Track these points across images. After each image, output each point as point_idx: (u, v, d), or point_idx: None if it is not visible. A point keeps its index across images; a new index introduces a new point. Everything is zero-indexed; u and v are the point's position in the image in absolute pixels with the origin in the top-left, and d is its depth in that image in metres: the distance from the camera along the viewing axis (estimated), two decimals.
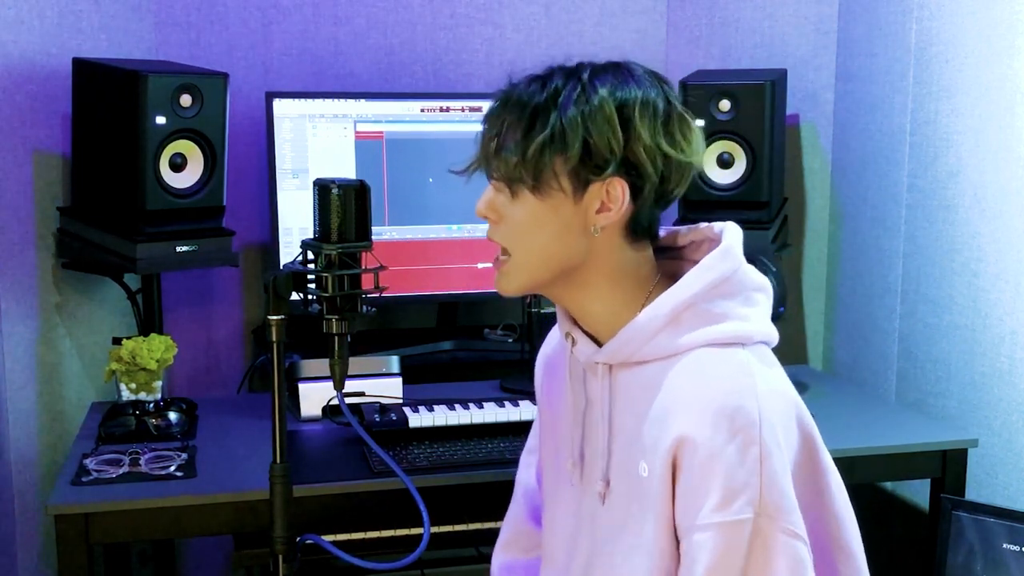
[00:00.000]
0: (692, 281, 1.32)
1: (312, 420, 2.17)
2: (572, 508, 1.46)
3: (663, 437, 1.27)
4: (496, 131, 1.32)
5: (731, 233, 1.37)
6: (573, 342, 1.40)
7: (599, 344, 1.38)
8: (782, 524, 1.25)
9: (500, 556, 1.68)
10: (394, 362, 2.25)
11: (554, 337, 1.58)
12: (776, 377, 1.32)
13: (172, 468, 1.89)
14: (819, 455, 1.36)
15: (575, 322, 1.41)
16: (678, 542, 1.29)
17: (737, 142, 2.53)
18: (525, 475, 1.66)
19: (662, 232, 1.41)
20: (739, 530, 1.23)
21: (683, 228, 1.43)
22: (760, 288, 1.37)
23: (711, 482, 1.23)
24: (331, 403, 2.15)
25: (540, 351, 1.61)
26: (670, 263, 1.41)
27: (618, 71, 1.32)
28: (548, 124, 1.27)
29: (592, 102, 1.27)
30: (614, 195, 1.29)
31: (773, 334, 1.36)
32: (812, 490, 1.33)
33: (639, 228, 1.34)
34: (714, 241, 1.38)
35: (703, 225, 1.41)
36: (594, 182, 1.29)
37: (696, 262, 1.36)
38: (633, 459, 1.33)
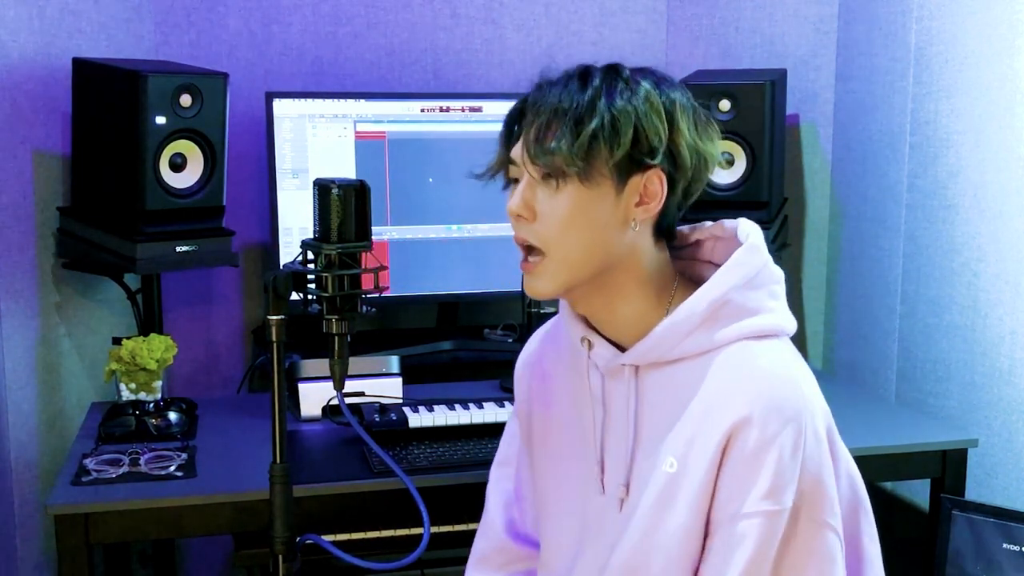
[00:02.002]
0: (726, 277, 1.33)
1: (312, 420, 2.17)
2: (579, 518, 1.44)
3: (709, 429, 1.28)
4: (540, 124, 1.30)
5: (752, 230, 1.38)
6: (590, 346, 1.39)
7: (618, 346, 1.37)
8: (821, 516, 1.27)
9: (475, 574, 1.64)
10: (394, 362, 2.24)
11: (536, 343, 1.57)
12: (807, 369, 1.36)
13: (172, 468, 1.89)
14: (836, 447, 1.37)
15: (588, 326, 1.40)
16: (704, 536, 1.30)
17: (737, 142, 2.53)
18: (501, 487, 1.63)
19: None
20: (780, 520, 1.25)
21: (685, 227, 1.44)
22: (779, 281, 1.39)
23: (761, 471, 1.25)
24: (331, 403, 2.15)
25: (522, 356, 1.58)
26: (678, 263, 1.41)
27: (653, 72, 1.34)
28: (597, 114, 1.28)
29: (639, 94, 1.29)
30: (652, 189, 1.31)
31: (795, 325, 1.39)
32: None
33: (665, 226, 1.36)
34: (724, 239, 1.40)
35: (708, 224, 1.42)
36: (635, 174, 1.30)
37: (707, 260, 1.38)
38: (658, 458, 1.32)
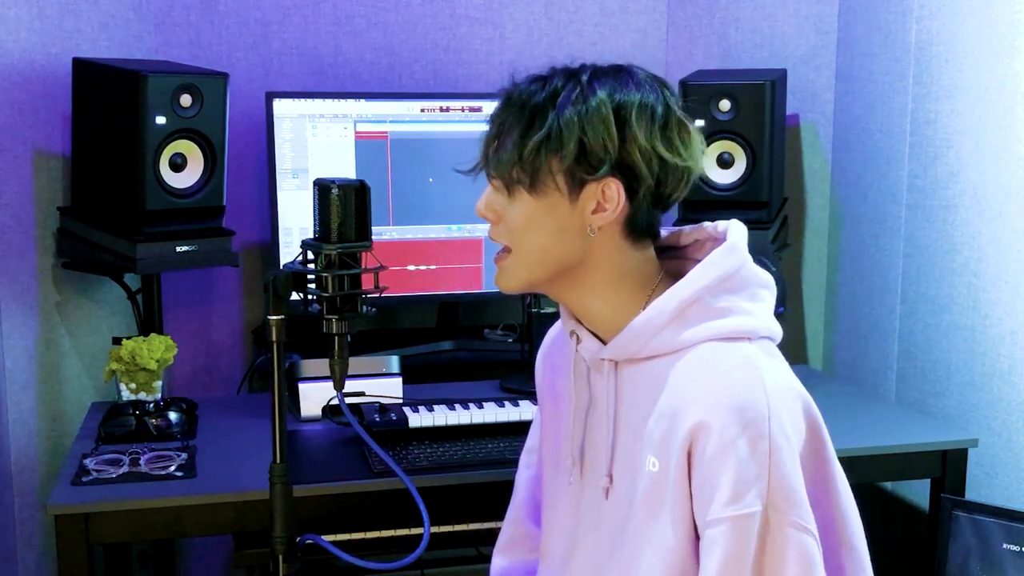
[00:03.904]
0: (697, 277, 1.32)
1: (312, 420, 2.17)
2: (571, 506, 1.46)
3: (675, 431, 1.28)
4: (496, 131, 1.34)
5: (736, 230, 1.38)
6: (578, 340, 1.41)
7: (603, 341, 1.38)
8: (791, 518, 1.26)
9: (500, 559, 1.67)
10: (394, 362, 2.25)
11: (554, 334, 1.59)
12: (782, 370, 1.33)
13: (172, 468, 1.89)
14: (825, 449, 1.36)
15: (579, 320, 1.42)
16: (697, 537, 1.30)
17: (737, 142, 2.53)
18: (526, 474, 1.66)
19: (664, 232, 1.42)
20: (749, 523, 1.24)
21: (686, 228, 1.44)
22: (764, 285, 1.38)
23: (723, 476, 1.24)
24: (331, 403, 2.15)
25: (540, 349, 1.61)
26: (673, 262, 1.42)
27: (619, 74, 1.33)
28: (545, 124, 1.28)
29: (589, 103, 1.28)
30: (609, 195, 1.30)
31: (777, 330, 1.37)
32: (817, 483, 1.33)
33: (637, 229, 1.35)
34: (717, 240, 1.39)
35: (706, 224, 1.42)
36: (589, 182, 1.30)
37: (698, 260, 1.37)
38: (639, 454, 1.33)
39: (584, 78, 1.31)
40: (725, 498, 1.24)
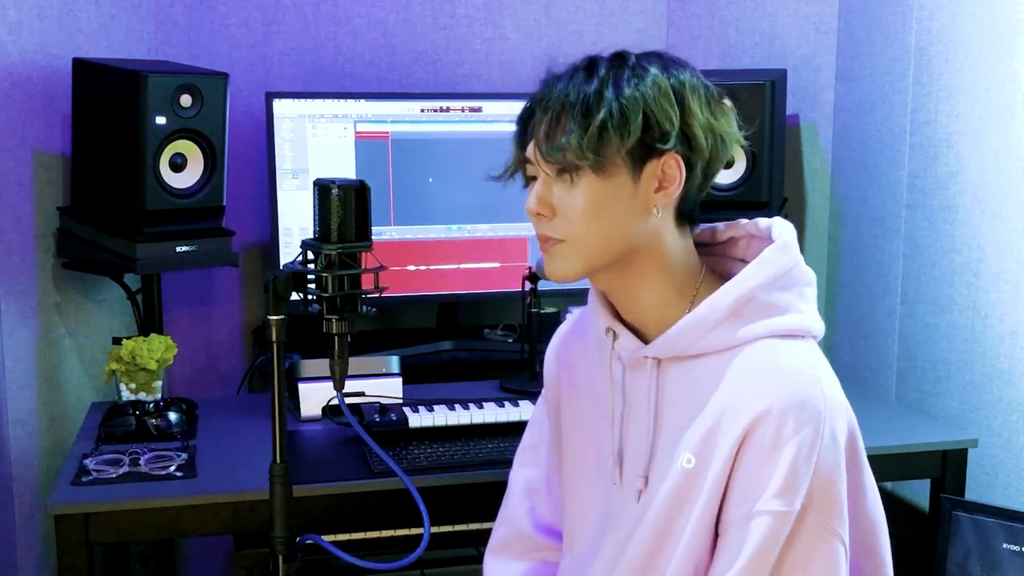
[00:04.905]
0: (752, 274, 1.32)
1: (312, 420, 2.17)
2: (601, 506, 1.44)
3: (728, 425, 1.27)
4: (549, 120, 1.30)
5: (785, 229, 1.38)
6: (614, 336, 1.39)
7: (642, 338, 1.37)
8: (829, 523, 1.27)
9: (494, 561, 1.64)
10: (394, 362, 2.25)
11: (566, 330, 1.57)
12: (830, 372, 1.34)
13: (172, 468, 1.89)
14: (859, 456, 1.36)
15: (615, 317, 1.40)
16: (715, 536, 1.29)
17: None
18: (524, 473, 1.63)
19: (698, 228, 1.42)
20: (787, 521, 1.25)
21: (720, 224, 1.44)
22: (810, 283, 1.38)
23: (776, 468, 1.24)
24: (331, 403, 2.15)
25: (552, 344, 1.59)
26: (709, 259, 1.41)
27: (660, 57, 1.34)
28: (605, 104, 1.27)
29: (647, 80, 1.29)
30: (670, 173, 1.30)
31: (822, 329, 1.37)
32: (849, 490, 1.33)
33: (686, 211, 1.35)
34: (757, 237, 1.39)
35: (743, 221, 1.42)
36: (651, 160, 1.29)
37: (739, 258, 1.38)
38: (676, 452, 1.32)
39: (631, 60, 1.31)
40: (775, 491, 1.24)
